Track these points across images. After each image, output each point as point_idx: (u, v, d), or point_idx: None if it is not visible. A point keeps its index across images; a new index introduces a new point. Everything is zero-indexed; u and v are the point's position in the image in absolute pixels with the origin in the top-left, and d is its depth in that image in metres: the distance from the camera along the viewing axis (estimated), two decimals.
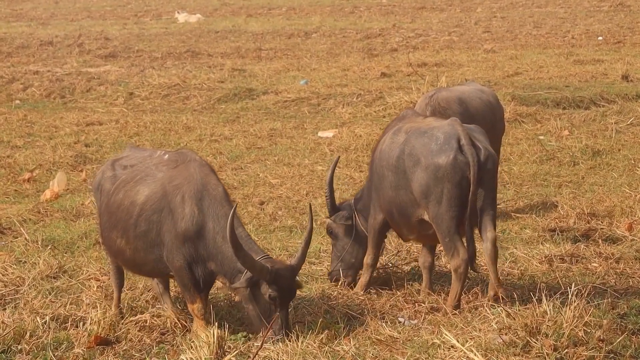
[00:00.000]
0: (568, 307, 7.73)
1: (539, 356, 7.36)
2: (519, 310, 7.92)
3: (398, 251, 10.78)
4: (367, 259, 9.65)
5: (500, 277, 9.85)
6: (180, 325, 8.63)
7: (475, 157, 8.61)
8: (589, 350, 7.41)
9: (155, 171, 8.58)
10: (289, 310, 8.28)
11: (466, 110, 11.72)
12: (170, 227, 8.27)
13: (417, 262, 10.39)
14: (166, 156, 8.75)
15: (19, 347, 8.17)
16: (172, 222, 8.26)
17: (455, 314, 8.67)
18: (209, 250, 8.22)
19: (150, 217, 8.36)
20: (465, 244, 8.75)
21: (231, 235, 7.84)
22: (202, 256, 8.26)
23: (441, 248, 9.94)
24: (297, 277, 8.25)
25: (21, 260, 10.84)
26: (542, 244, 10.98)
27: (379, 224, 9.48)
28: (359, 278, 9.80)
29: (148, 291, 9.49)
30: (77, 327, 8.63)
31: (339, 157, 10.83)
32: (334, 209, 9.94)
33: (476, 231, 8.85)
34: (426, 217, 8.85)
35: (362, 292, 9.56)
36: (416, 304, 9.16)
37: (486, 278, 9.82)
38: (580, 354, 7.36)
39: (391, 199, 9.07)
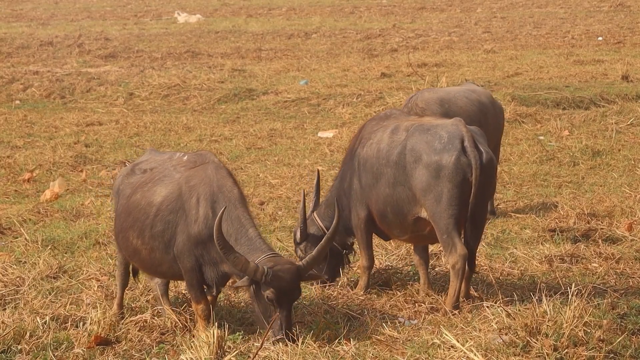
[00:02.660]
0: (568, 307, 7.72)
1: (539, 356, 7.36)
2: (519, 310, 7.92)
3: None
4: (363, 261, 9.61)
5: (500, 277, 9.88)
6: (180, 325, 8.63)
7: (478, 160, 8.61)
8: (589, 350, 7.40)
9: (173, 172, 8.54)
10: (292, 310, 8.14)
11: (448, 111, 11.58)
12: (184, 228, 8.22)
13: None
14: (185, 157, 8.71)
15: (19, 347, 8.16)
16: (186, 223, 8.21)
17: (455, 313, 8.67)
18: None
19: (166, 217, 8.32)
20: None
21: (217, 236, 7.75)
22: (214, 259, 8.19)
23: (438, 248, 9.95)
24: (301, 278, 8.03)
25: (21, 260, 10.83)
26: (542, 244, 10.98)
27: (363, 222, 9.42)
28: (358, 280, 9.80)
29: (148, 291, 9.49)
30: (77, 327, 8.62)
31: (304, 191, 11.05)
32: (306, 236, 9.89)
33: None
34: (423, 215, 8.84)
35: (362, 293, 9.55)
36: (416, 304, 9.15)
37: (486, 278, 9.83)
38: (580, 354, 7.36)
39: (387, 197, 9.03)
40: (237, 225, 8.08)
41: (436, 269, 10.22)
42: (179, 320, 8.67)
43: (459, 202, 8.63)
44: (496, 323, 7.85)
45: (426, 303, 9.12)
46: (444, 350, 7.59)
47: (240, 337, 8.15)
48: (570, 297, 7.89)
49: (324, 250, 8.17)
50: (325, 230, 9.71)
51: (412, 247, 9.86)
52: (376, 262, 10.24)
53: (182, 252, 8.23)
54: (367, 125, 9.60)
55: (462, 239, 8.78)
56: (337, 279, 9.95)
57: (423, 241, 9.38)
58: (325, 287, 9.74)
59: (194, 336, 8.20)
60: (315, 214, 10.01)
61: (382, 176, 9.05)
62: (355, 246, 10.01)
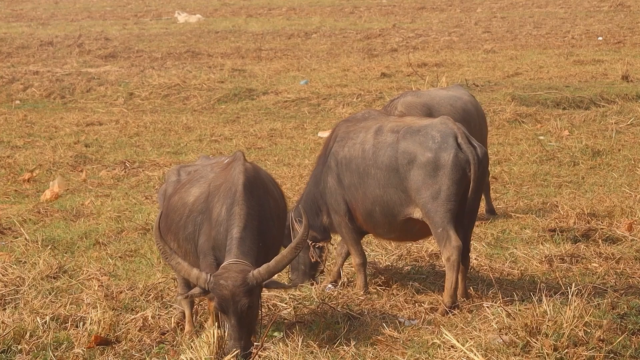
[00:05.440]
0: (568, 307, 7.72)
1: (539, 356, 7.36)
2: (519, 310, 7.92)
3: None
4: (354, 259, 9.60)
5: (500, 277, 9.88)
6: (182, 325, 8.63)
7: (475, 155, 8.69)
8: (589, 350, 7.40)
9: (210, 173, 8.37)
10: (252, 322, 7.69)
11: (430, 117, 11.41)
12: (207, 228, 7.99)
13: (417, 262, 10.40)
14: (226, 160, 8.49)
15: (19, 347, 8.16)
16: (209, 224, 7.98)
17: (455, 312, 8.66)
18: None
19: (195, 218, 8.12)
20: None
21: (157, 241, 7.57)
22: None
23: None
24: (248, 287, 7.47)
25: (21, 260, 10.83)
26: (542, 244, 10.98)
27: (345, 219, 9.41)
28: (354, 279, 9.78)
29: (148, 291, 9.48)
30: (77, 327, 8.61)
31: None
32: None
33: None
34: (415, 216, 8.87)
35: (362, 293, 9.54)
36: (416, 304, 9.16)
37: (486, 278, 9.82)
38: (580, 354, 7.36)
39: (377, 198, 9.05)
40: (230, 223, 7.82)
41: (436, 269, 10.22)
42: (181, 321, 8.66)
43: (456, 197, 8.72)
44: (496, 323, 7.85)
45: (426, 303, 9.12)
46: (444, 350, 7.59)
47: None
48: (570, 297, 7.88)
49: (282, 261, 7.58)
50: (294, 222, 9.80)
51: (418, 250, 9.87)
52: (376, 262, 10.24)
53: (201, 252, 8.09)
54: (342, 125, 9.59)
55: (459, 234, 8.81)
56: (310, 280, 9.91)
57: (408, 239, 9.47)
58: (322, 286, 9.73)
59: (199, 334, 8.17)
60: (293, 209, 10.02)
61: (370, 177, 9.08)
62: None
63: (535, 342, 7.45)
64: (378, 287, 9.66)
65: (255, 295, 7.56)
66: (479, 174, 8.73)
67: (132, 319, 8.69)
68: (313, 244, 9.88)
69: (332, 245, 10.31)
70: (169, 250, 7.62)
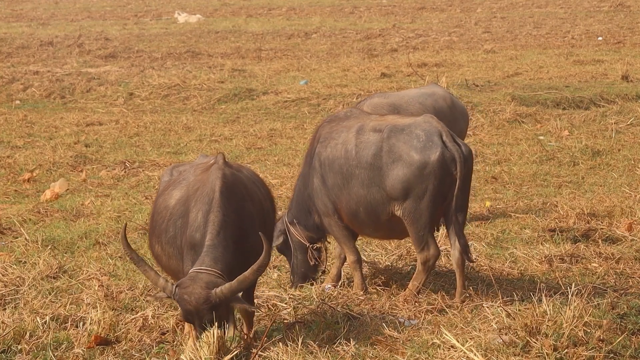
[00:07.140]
0: (568, 307, 7.73)
1: (539, 356, 7.36)
2: (519, 310, 7.92)
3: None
4: (349, 257, 9.59)
5: (500, 277, 9.89)
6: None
7: (461, 153, 8.73)
8: (589, 350, 7.41)
9: (191, 175, 8.29)
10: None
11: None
12: (185, 231, 7.94)
13: (416, 262, 10.40)
14: (212, 160, 8.41)
15: (19, 347, 8.16)
16: (186, 227, 7.92)
17: (454, 311, 8.68)
18: None
19: (176, 221, 8.06)
20: (456, 239, 8.88)
21: (124, 248, 7.58)
22: None
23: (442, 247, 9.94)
24: (211, 304, 7.39)
25: (21, 260, 10.83)
26: (542, 244, 10.98)
27: (333, 218, 9.41)
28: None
29: (148, 291, 9.48)
30: (77, 327, 8.61)
31: None
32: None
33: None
34: (398, 214, 8.89)
35: (362, 292, 9.53)
36: (416, 303, 9.16)
37: (486, 278, 9.83)
38: (580, 354, 7.36)
39: (361, 197, 9.05)
40: (205, 230, 7.72)
41: (436, 269, 10.22)
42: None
43: (440, 197, 8.80)
44: (496, 323, 7.85)
45: (426, 303, 9.13)
46: (444, 350, 7.60)
47: (236, 337, 8.12)
48: (570, 297, 7.89)
49: (244, 282, 7.42)
50: (289, 226, 9.80)
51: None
52: (376, 261, 10.24)
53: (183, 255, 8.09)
54: (325, 125, 9.56)
55: (451, 233, 8.93)
56: (308, 280, 9.91)
57: (395, 237, 9.54)
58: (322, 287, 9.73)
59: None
60: (286, 212, 10.03)
61: (353, 177, 9.07)
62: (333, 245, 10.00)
63: (535, 342, 7.45)
64: (378, 287, 9.67)
65: (221, 310, 7.49)
66: (465, 172, 8.77)
67: (132, 319, 8.70)
68: (311, 245, 9.88)
69: (329, 242, 10.30)
70: (136, 257, 7.59)
